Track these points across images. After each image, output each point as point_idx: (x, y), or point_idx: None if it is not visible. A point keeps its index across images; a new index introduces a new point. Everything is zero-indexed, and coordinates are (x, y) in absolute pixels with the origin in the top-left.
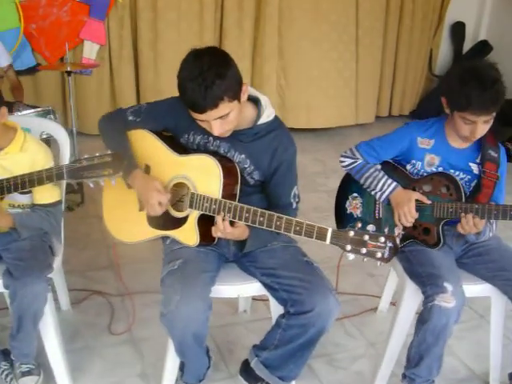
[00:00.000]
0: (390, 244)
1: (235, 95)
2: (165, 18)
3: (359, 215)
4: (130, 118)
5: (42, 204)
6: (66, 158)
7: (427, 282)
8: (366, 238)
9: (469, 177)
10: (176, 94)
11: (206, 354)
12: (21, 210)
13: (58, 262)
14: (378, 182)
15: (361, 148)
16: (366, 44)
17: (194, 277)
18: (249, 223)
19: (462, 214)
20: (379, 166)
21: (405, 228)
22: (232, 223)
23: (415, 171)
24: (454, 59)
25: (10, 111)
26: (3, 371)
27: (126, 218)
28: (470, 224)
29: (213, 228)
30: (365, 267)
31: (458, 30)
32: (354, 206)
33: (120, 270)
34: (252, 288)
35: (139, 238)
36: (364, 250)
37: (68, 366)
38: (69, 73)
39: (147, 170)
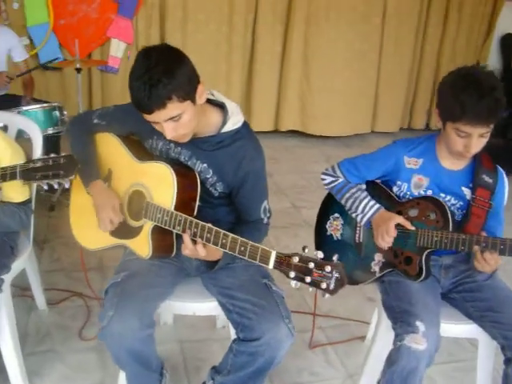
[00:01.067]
0: (336, 274)
1: (187, 95)
2: (193, 19)
3: (339, 237)
4: (96, 121)
5: (11, 202)
6: (36, 156)
7: (399, 318)
8: (312, 265)
9: (461, 203)
10: None
11: (152, 372)
12: None
13: (22, 262)
14: (360, 203)
15: (343, 166)
16: (391, 53)
17: (133, 292)
18: (196, 238)
19: (476, 247)
20: (363, 186)
21: (386, 255)
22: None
23: (401, 194)
24: (503, 74)
25: (16, 105)
26: None
27: (89, 224)
28: (491, 262)
29: (182, 245)
30: (366, 291)
31: (509, 42)
32: (335, 227)
33: (90, 273)
34: (208, 307)
35: (99, 245)
36: (308, 279)
37: (25, 369)
38: (78, 70)
39: (109, 174)
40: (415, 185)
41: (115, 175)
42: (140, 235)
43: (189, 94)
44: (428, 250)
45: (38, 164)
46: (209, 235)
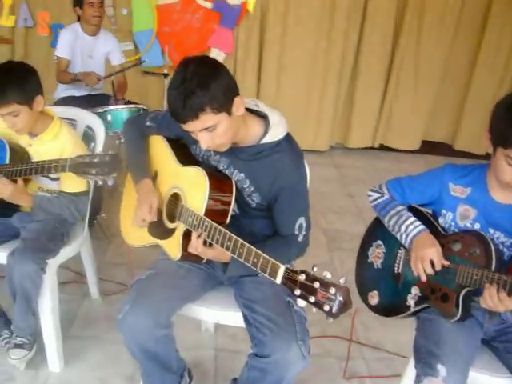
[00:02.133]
0: (339, 298)
1: (221, 107)
2: (292, 33)
3: (379, 266)
4: (148, 123)
5: (67, 192)
6: (99, 150)
7: (422, 358)
8: (317, 285)
9: (511, 240)
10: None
11: (171, 373)
12: (49, 195)
13: (72, 250)
14: (404, 221)
15: (390, 183)
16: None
17: (153, 291)
18: (218, 245)
19: (487, 285)
20: (407, 208)
21: (423, 290)
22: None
23: (447, 225)
24: None
25: (105, 104)
26: (4, 339)
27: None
28: (493, 299)
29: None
30: None
31: None
32: (376, 255)
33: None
34: (233, 317)
35: (140, 242)
36: (312, 299)
37: (63, 350)
38: (165, 75)
39: (155, 175)
40: (461, 216)
41: (160, 177)
42: (173, 237)
43: (223, 106)
44: (467, 289)
45: (87, 159)
46: (229, 243)
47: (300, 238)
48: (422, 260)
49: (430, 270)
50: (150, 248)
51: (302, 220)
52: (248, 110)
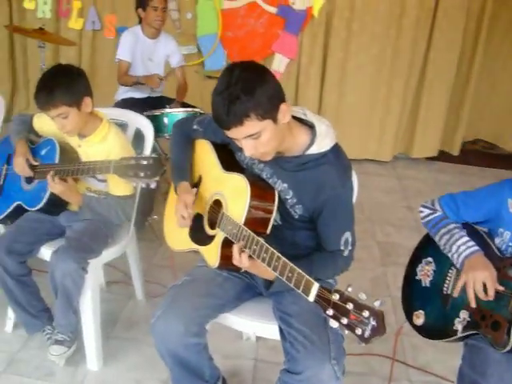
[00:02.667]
0: (373, 322)
1: (266, 114)
2: (357, 40)
3: (427, 284)
4: (195, 126)
5: (113, 195)
6: (147, 153)
7: None
8: (350, 306)
9: None
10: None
11: (203, 381)
12: (96, 195)
13: (115, 251)
14: (456, 240)
15: (443, 199)
16: None
17: (186, 298)
18: (255, 256)
19: None
20: (461, 226)
21: (472, 314)
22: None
23: (504, 245)
24: None
25: (163, 106)
26: (46, 334)
27: (175, 225)
28: None
29: None
30: None
31: None
32: (426, 272)
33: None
34: (268, 330)
35: (180, 247)
36: (345, 321)
37: (102, 349)
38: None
39: (199, 180)
40: None
41: (204, 182)
42: (212, 244)
43: (268, 113)
44: None
45: (131, 162)
46: (265, 255)
47: (346, 254)
48: (474, 283)
49: (481, 295)
50: (196, 253)
51: (347, 235)
52: (295, 118)
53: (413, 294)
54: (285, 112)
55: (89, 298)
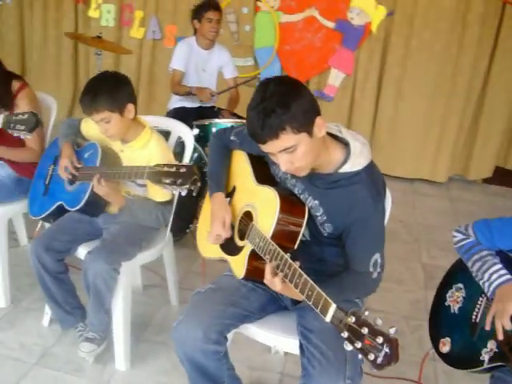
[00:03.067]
0: (386, 349)
1: (302, 127)
2: (415, 57)
3: (456, 311)
4: (232, 137)
5: (152, 200)
6: (186, 161)
7: None
8: (365, 331)
9: None
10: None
11: None
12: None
13: (149, 256)
14: (488, 268)
15: (476, 225)
16: None
17: (208, 305)
18: (278, 270)
19: None
20: (494, 253)
21: (501, 346)
22: None
23: None
24: None
25: (214, 116)
26: (79, 331)
27: (206, 232)
28: None
29: None
30: None
31: None
32: (455, 298)
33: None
34: (288, 344)
35: (211, 254)
36: (359, 345)
37: (133, 350)
38: None
39: (233, 191)
40: None
41: (237, 192)
42: (240, 255)
43: (304, 126)
44: None
45: (164, 169)
46: (288, 271)
47: (375, 275)
48: (502, 314)
49: (509, 326)
50: (226, 262)
51: (377, 256)
52: (330, 135)
53: (441, 320)
54: (320, 126)
55: (120, 299)
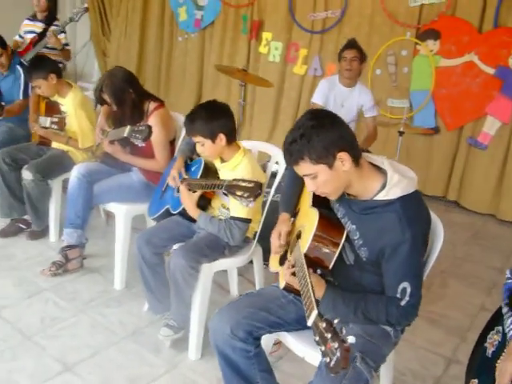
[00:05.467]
0: (337, 354)
1: (320, 159)
2: None
3: (489, 355)
4: None
5: (231, 215)
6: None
7: None
8: (329, 336)
9: None
10: None
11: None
12: (211, 215)
13: (227, 263)
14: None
15: None
16: None
17: (241, 306)
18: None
19: None
20: None
21: None
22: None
23: None
24: None
25: None
26: (165, 317)
27: None
28: None
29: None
30: None
31: None
32: (492, 341)
33: None
34: (313, 357)
35: (274, 268)
36: (322, 348)
37: (204, 343)
38: (401, 133)
39: (297, 212)
40: None
41: (299, 214)
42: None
43: (323, 158)
44: None
45: (238, 183)
46: (301, 273)
47: (403, 303)
48: (502, 374)
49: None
50: None
51: (405, 285)
52: (374, 165)
53: (476, 361)
54: (344, 160)
55: (199, 295)
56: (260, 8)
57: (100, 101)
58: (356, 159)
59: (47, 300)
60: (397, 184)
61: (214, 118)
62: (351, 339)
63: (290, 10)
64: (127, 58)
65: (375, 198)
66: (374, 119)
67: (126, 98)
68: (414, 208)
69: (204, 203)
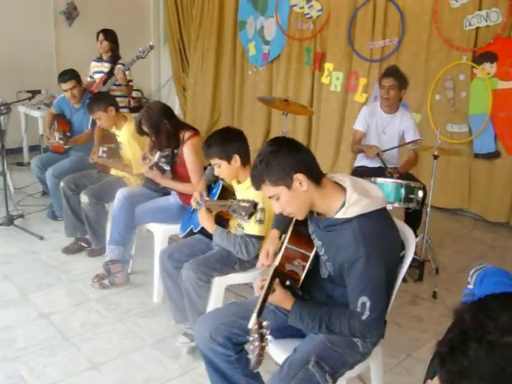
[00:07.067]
0: (256, 351)
1: (279, 181)
2: None
3: None
4: None
5: (245, 232)
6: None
7: None
8: (255, 336)
9: None
10: None
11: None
12: (242, 232)
13: (242, 278)
14: None
15: (486, 271)
16: None
17: (223, 313)
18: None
19: None
20: None
21: None
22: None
23: None
24: None
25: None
26: (187, 328)
27: None
28: None
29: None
30: None
31: None
32: None
33: None
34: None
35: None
36: (250, 347)
37: None
38: (435, 157)
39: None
40: None
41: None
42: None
43: (281, 180)
44: None
45: (240, 203)
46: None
47: (364, 317)
48: None
49: None
50: None
51: (364, 299)
52: (339, 184)
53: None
54: (301, 181)
55: (211, 307)
56: (322, 40)
57: (140, 132)
58: (315, 179)
59: (91, 309)
60: (355, 203)
61: (229, 141)
62: (269, 337)
63: (348, 40)
64: (203, 93)
65: (335, 217)
66: (417, 144)
67: (162, 128)
68: (370, 225)
69: (223, 223)
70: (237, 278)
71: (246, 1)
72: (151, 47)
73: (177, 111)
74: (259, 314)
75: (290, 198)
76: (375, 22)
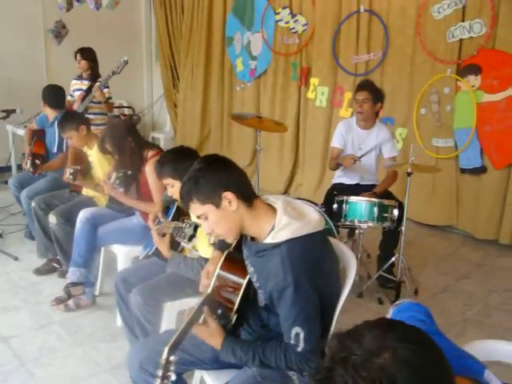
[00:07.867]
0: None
1: (208, 199)
2: None
3: None
4: None
5: (200, 255)
6: None
7: None
8: (159, 373)
9: None
10: None
11: None
12: (183, 255)
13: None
14: None
15: (404, 306)
16: None
17: (155, 342)
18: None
19: None
20: None
21: None
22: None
23: None
24: None
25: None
26: None
27: None
28: None
29: None
30: None
31: None
32: None
33: None
34: None
35: None
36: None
37: None
38: (408, 174)
39: None
40: None
41: None
42: None
43: (209, 198)
44: None
45: (183, 225)
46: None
47: (299, 349)
48: None
49: None
50: None
51: (297, 330)
52: (272, 206)
53: None
54: (230, 200)
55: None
56: (308, 54)
57: (103, 150)
58: (246, 200)
59: (53, 332)
60: (285, 226)
61: (183, 160)
62: (173, 376)
63: (333, 55)
64: (193, 109)
65: (265, 241)
66: (393, 159)
67: (126, 146)
68: (300, 251)
69: (176, 245)
70: (189, 302)
71: (233, 16)
72: (125, 62)
73: (168, 128)
74: (172, 348)
75: (219, 217)
76: (359, 36)
